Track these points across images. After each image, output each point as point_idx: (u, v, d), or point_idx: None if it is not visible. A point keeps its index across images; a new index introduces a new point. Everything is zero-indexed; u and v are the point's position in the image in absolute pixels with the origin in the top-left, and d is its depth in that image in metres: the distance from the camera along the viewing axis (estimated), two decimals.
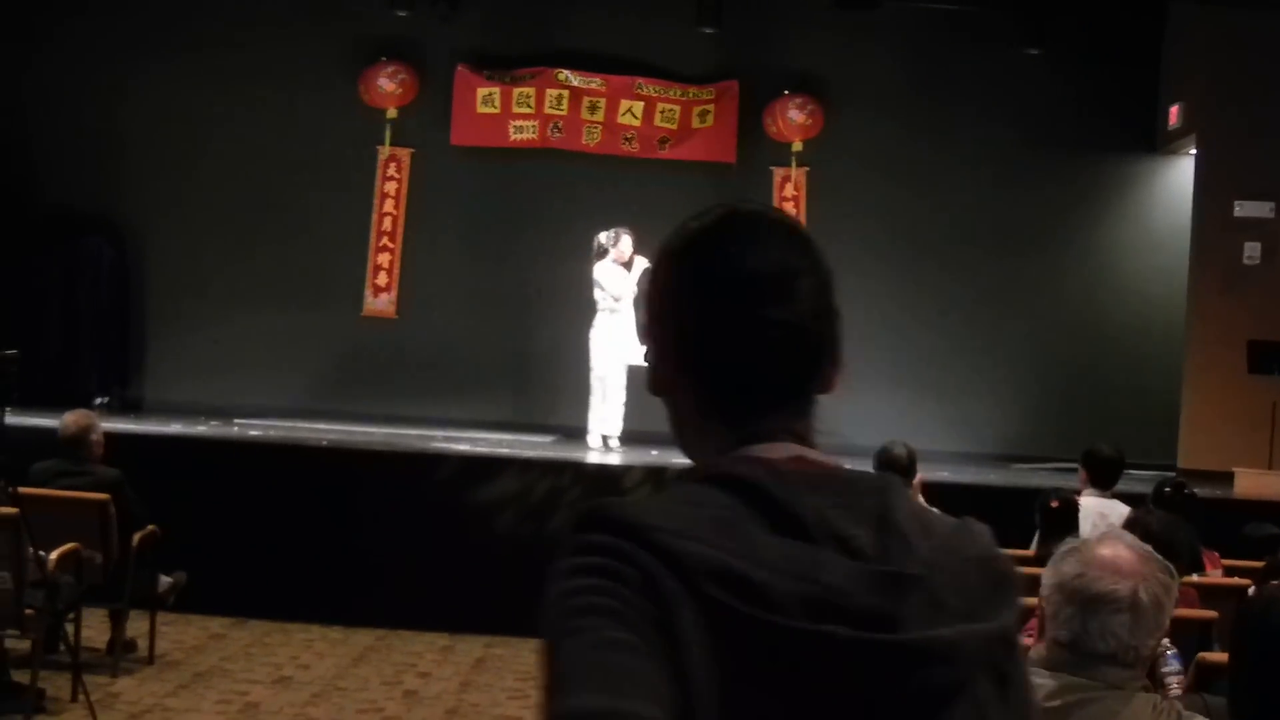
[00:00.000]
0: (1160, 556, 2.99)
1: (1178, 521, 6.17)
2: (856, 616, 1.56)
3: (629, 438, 13.15)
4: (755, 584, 1.54)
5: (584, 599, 1.53)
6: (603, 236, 12.98)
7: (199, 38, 15.44)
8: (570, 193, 15.38)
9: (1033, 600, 3.43)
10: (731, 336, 1.75)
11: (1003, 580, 1.70)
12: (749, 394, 1.76)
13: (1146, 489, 9.02)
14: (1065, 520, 7.51)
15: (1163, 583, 2.94)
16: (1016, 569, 1.73)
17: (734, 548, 1.56)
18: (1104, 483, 8.64)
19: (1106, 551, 2.96)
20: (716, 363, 1.76)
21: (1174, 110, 15.16)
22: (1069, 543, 3.04)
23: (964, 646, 1.60)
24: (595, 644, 1.49)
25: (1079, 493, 8.35)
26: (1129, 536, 3.04)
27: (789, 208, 15.52)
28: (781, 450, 1.72)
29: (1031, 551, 7.76)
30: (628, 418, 13.14)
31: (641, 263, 12.96)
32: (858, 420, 14.30)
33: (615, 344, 12.91)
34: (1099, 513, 7.99)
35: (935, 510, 1.79)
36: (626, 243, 12.93)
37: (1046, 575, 3.01)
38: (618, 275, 12.90)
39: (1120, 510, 7.57)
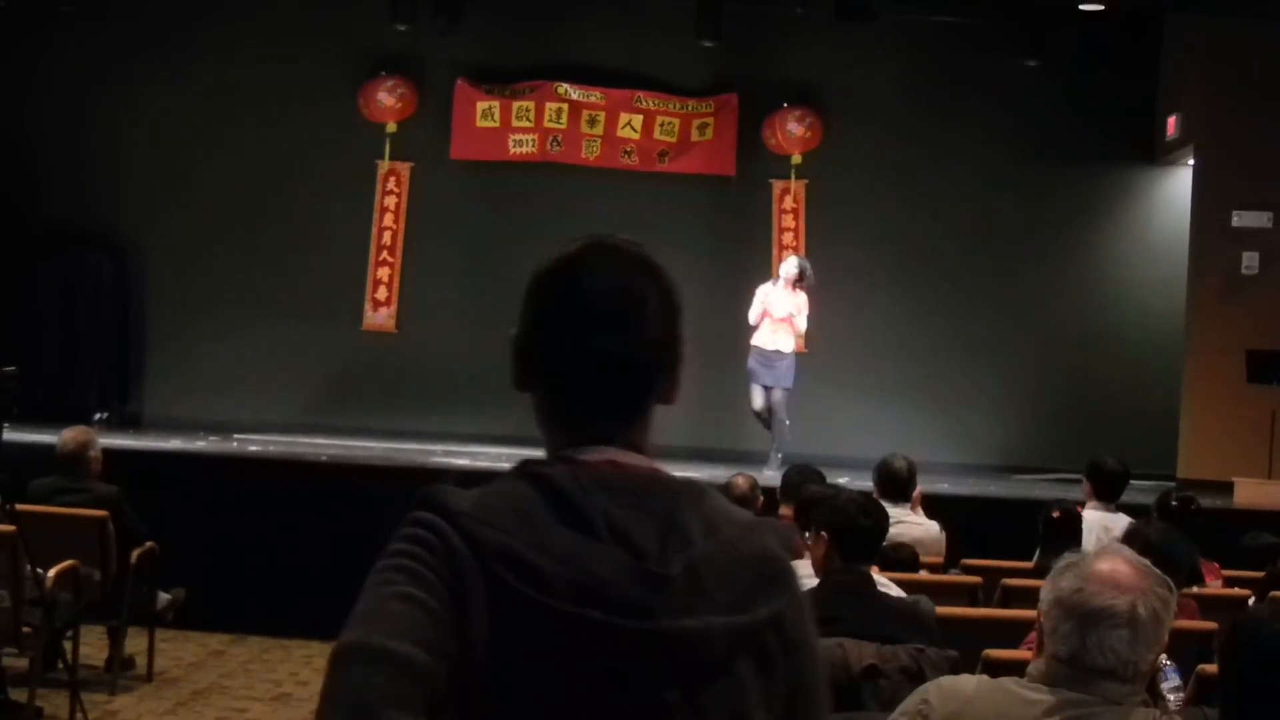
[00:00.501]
0: (1159, 571, 2.96)
1: (1176, 533, 6.14)
2: (616, 605, 1.83)
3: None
4: (535, 568, 1.83)
5: (397, 560, 1.90)
6: None
7: (198, 53, 15.43)
8: (570, 206, 15.33)
9: (1033, 613, 3.41)
10: (564, 358, 2.04)
11: (774, 577, 1.96)
12: (578, 406, 2.04)
13: (1147, 499, 9.01)
14: (1067, 532, 7.46)
15: (1161, 597, 2.91)
16: (790, 566, 2.02)
17: (525, 536, 1.86)
18: (1108, 495, 8.62)
19: (1105, 566, 2.93)
20: (551, 378, 2.06)
21: (1172, 121, 15.15)
22: (1067, 558, 3.01)
23: (712, 636, 1.87)
24: (391, 595, 1.86)
25: (1082, 505, 8.32)
26: (1128, 551, 3.01)
27: (789, 220, 15.54)
28: (598, 455, 1.98)
29: (1032, 564, 7.73)
30: None
31: None
32: (858, 431, 14.36)
33: None
34: (1103, 526, 7.96)
35: (741, 511, 2.03)
36: None
37: (1045, 591, 2.98)
38: None
39: (1124, 523, 7.53)
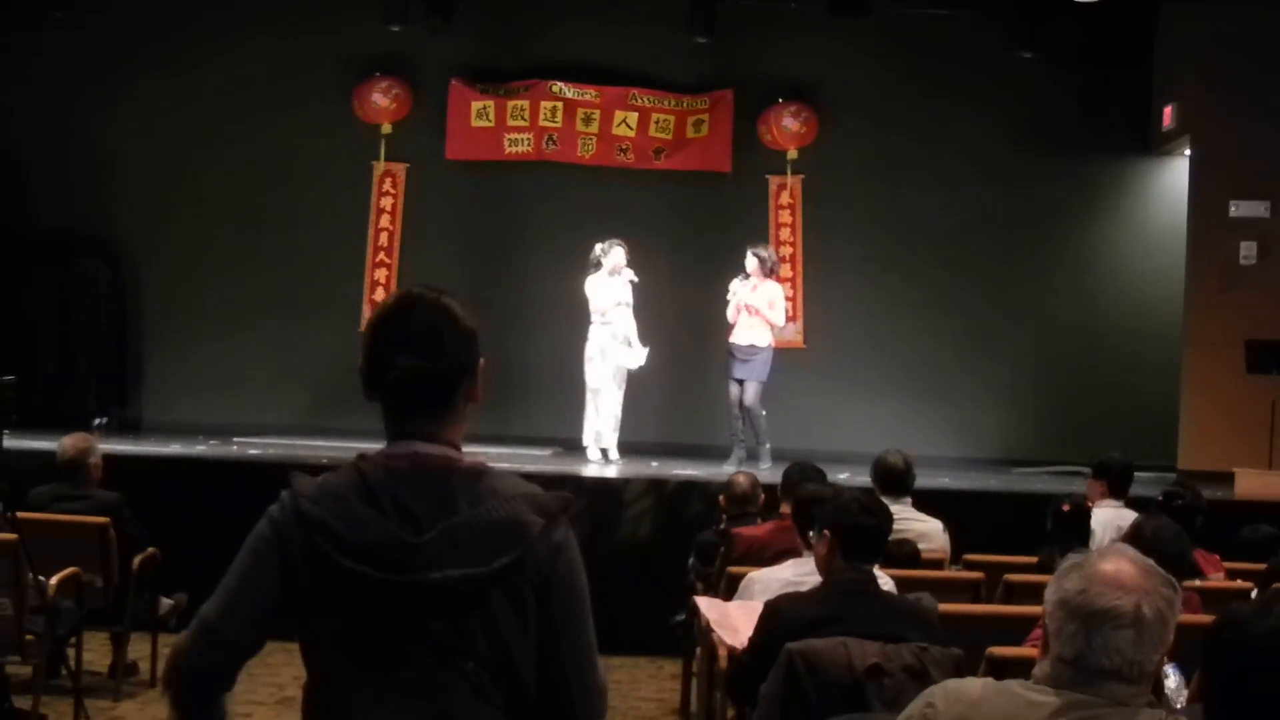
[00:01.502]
0: (1164, 570, 2.96)
1: (1172, 527, 6.13)
2: (383, 563, 2.71)
3: (628, 449, 13.16)
4: (336, 535, 2.73)
5: (252, 539, 2.91)
6: (596, 249, 12.98)
7: (191, 57, 15.43)
8: (566, 205, 15.37)
9: (1036, 609, 3.40)
10: (382, 375, 2.90)
11: (512, 536, 2.74)
12: (393, 409, 2.91)
13: (1148, 491, 9.00)
14: (1077, 525, 7.43)
15: (1166, 597, 2.90)
16: (528, 522, 2.76)
17: (335, 511, 2.76)
18: (1117, 491, 8.60)
19: (1109, 567, 2.93)
20: (376, 389, 2.92)
21: (1167, 111, 15.15)
22: (1071, 558, 3.01)
23: (450, 584, 2.70)
24: (238, 572, 2.89)
25: (1090, 500, 8.27)
26: (1131, 550, 3.01)
27: (785, 215, 15.54)
28: (405, 448, 2.86)
29: (1036, 559, 7.72)
30: (626, 429, 13.14)
31: (629, 274, 12.94)
32: (856, 426, 14.38)
33: (605, 357, 12.90)
34: (1115, 525, 7.91)
35: (515, 487, 2.82)
36: (618, 254, 12.93)
37: (1049, 592, 2.98)
38: (604, 287, 12.88)
39: (1131, 519, 7.48)
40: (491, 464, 2.89)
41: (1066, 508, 7.51)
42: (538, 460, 12.77)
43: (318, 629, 2.83)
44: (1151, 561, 2.98)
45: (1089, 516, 7.61)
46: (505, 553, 2.73)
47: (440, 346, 2.91)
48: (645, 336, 13.27)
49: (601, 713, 2.89)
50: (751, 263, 12.96)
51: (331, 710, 2.83)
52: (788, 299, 14.21)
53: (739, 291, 12.89)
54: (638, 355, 12.94)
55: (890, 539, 5.63)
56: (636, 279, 12.97)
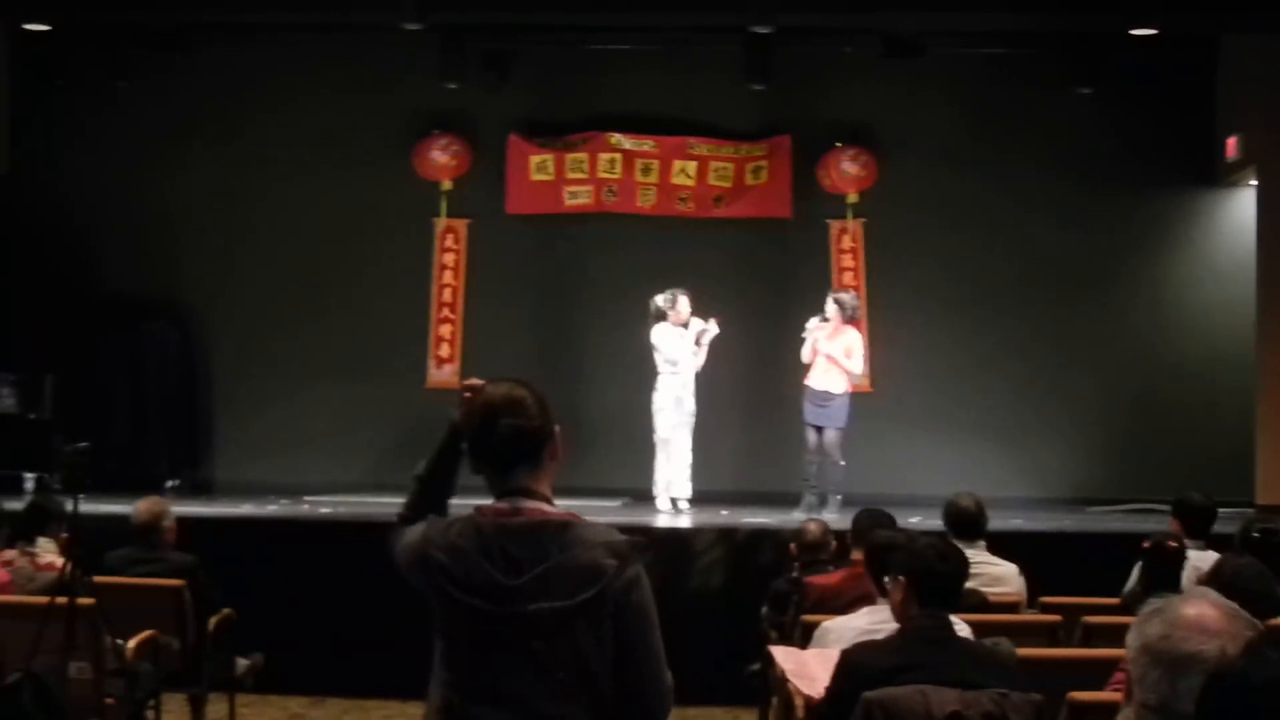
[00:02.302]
0: (1247, 614, 2.94)
1: (1257, 566, 6.04)
2: (491, 598, 3.50)
3: (698, 498, 13.12)
4: (455, 575, 3.55)
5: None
6: (659, 299, 12.97)
7: (250, 118, 15.61)
8: (627, 255, 15.39)
9: (1117, 651, 3.37)
10: (483, 436, 3.67)
11: (591, 577, 3.49)
12: (497, 468, 3.68)
13: (1226, 528, 8.87)
14: (1166, 566, 7.10)
15: (1250, 640, 2.88)
16: (603, 563, 3.52)
17: (455, 559, 3.57)
18: (1198, 532, 8.33)
19: (1191, 611, 2.91)
20: (482, 456, 3.70)
21: (1231, 142, 15.05)
22: (1152, 603, 2.99)
23: (542, 614, 3.47)
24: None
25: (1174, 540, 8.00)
26: (1213, 594, 2.99)
27: (847, 260, 15.52)
28: (510, 504, 3.61)
29: (1119, 599, 7.58)
30: (696, 479, 13.11)
31: (698, 324, 12.96)
32: (925, 470, 14.30)
33: (676, 406, 12.89)
34: (1194, 567, 7.72)
35: (595, 534, 3.57)
36: (684, 304, 12.94)
37: (1131, 638, 2.96)
38: (674, 337, 12.89)
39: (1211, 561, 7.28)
40: (577, 516, 3.63)
41: (1173, 545, 7.16)
42: (608, 511, 12.73)
43: (446, 643, 3.66)
44: (1234, 604, 2.96)
45: (1183, 558, 7.26)
46: (586, 590, 3.48)
47: (526, 411, 3.65)
48: (711, 384, 13.27)
49: (668, 708, 3.65)
50: (831, 308, 12.94)
51: (449, 710, 3.61)
52: None
53: (814, 333, 12.88)
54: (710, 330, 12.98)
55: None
56: (715, 329, 12.98)
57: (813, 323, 12.96)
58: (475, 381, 3.81)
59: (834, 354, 12.83)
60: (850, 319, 12.99)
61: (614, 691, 3.55)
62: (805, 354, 12.95)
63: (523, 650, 3.51)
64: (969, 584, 6.75)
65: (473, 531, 3.61)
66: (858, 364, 13.01)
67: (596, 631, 3.52)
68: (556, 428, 3.70)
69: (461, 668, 3.61)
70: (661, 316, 12.95)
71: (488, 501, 3.67)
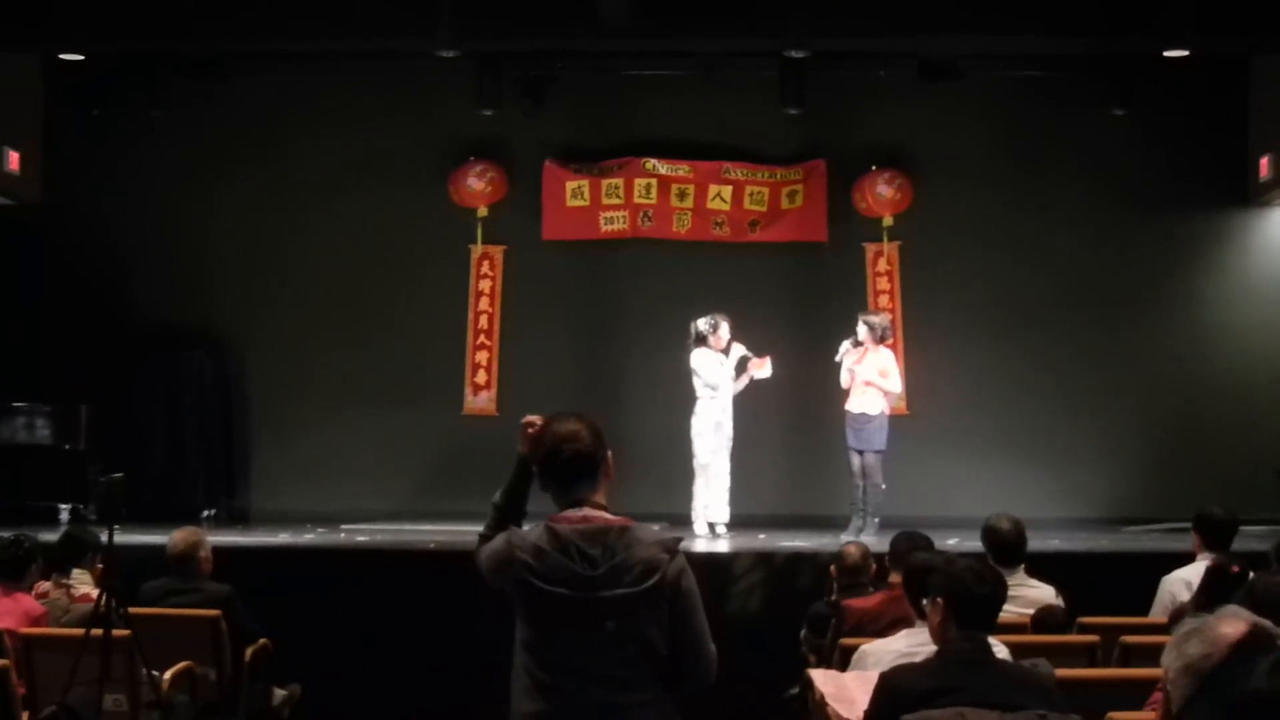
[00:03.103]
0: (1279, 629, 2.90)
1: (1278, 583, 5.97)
2: (573, 585, 4.19)
3: (736, 522, 13.10)
4: (536, 570, 4.21)
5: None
6: (701, 324, 12.98)
7: (285, 146, 15.66)
8: (663, 281, 15.40)
9: (1155, 671, 3.33)
10: (551, 461, 4.42)
11: (650, 568, 4.22)
12: (563, 484, 4.42)
13: (1263, 546, 8.82)
14: (1227, 590, 7.00)
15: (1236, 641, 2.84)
16: (661, 556, 4.28)
17: (536, 556, 4.23)
18: (1218, 546, 8.36)
19: (1229, 630, 2.87)
20: (549, 474, 4.44)
21: (1264, 162, 14.97)
22: (1188, 622, 2.95)
23: (617, 599, 4.18)
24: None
25: (1237, 566, 7.87)
26: (1245, 612, 2.95)
27: (883, 283, 15.49)
28: (576, 512, 4.34)
29: (1151, 619, 7.55)
30: (734, 503, 13.08)
31: (739, 350, 12.96)
32: (963, 491, 14.25)
33: (716, 431, 12.88)
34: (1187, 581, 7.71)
35: (650, 535, 4.34)
36: (725, 330, 12.98)
37: (1169, 658, 2.92)
38: (714, 362, 12.91)
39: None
40: (631, 521, 4.37)
41: (1236, 569, 7.01)
42: None
43: (530, 629, 4.31)
44: (1269, 622, 2.92)
45: (1243, 582, 7.10)
46: (648, 579, 4.24)
47: (584, 440, 4.44)
48: (749, 408, 13.27)
49: (713, 673, 4.40)
50: (862, 330, 12.97)
51: (538, 685, 4.26)
52: None
53: (847, 356, 12.91)
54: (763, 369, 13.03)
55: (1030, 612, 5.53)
56: (768, 371, 13.00)
57: (844, 347, 13.00)
58: (534, 418, 4.57)
59: (869, 376, 12.86)
60: (881, 340, 13.00)
61: (670, 660, 4.31)
62: (843, 379, 12.98)
63: (599, 629, 4.22)
64: (1008, 606, 6.71)
65: (551, 536, 4.31)
66: (894, 383, 13.07)
67: (656, 612, 4.27)
68: (609, 451, 4.50)
69: (546, 648, 4.28)
70: (702, 341, 12.96)
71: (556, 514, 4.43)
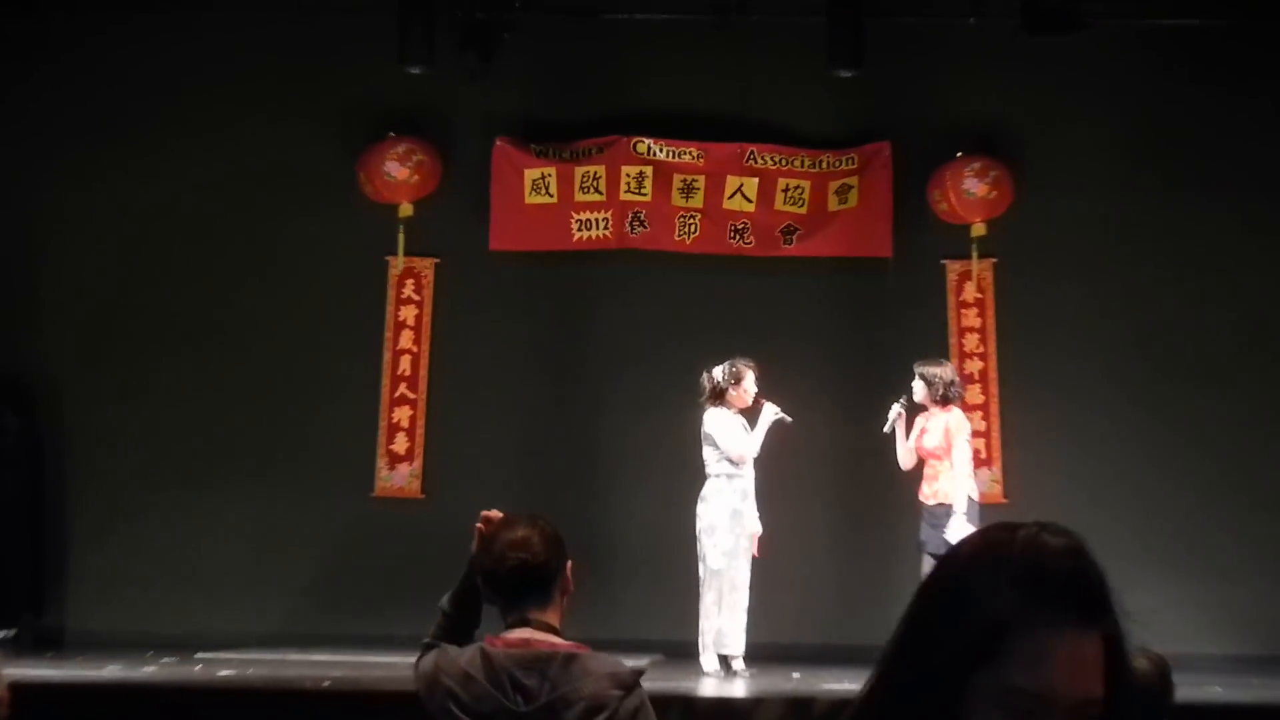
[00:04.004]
0: None
1: None
2: None
3: (759, 654, 12.98)
4: (462, 700, 4.84)
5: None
6: (717, 373, 12.89)
7: (133, 126, 15.64)
8: (661, 311, 15.37)
9: None
10: (494, 571, 5.04)
11: (595, 708, 4.72)
12: (508, 600, 5.04)
13: None
14: None
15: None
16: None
17: (463, 683, 4.86)
18: None
19: None
20: (494, 587, 5.07)
21: None
22: None
23: None
24: None
25: None
26: None
27: (971, 316, 15.46)
28: (517, 633, 4.94)
29: None
30: (757, 627, 12.97)
31: (771, 411, 12.87)
32: None
33: (734, 524, 12.77)
34: None
35: (600, 666, 4.82)
36: (750, 381, 12.87)
37: None
38: (736, 427, 12.81)
39: None
40: (583, 648, 4.90)
41: None
42: None
43: None
44: None
45: None
46: (589, 716, 4.72)
47: (533, 548, 5.00)
48: (780, 492, 13.20)
49: None
50: (918, 389, 12.88)
51: None
52: (980, 435, 14.09)
53: (897, 427, 12.87)
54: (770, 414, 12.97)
55: None
56: (788, 417, 12.93)
57: (894, 412, 12.92)
58: (493, 514, 5.20)
59: (932, 448, 12.80)
60: (944, 400, 12.87)
61: None
62: (901, 458, 12.91)
63: None
64: None
65: (483, 660, 4.86)
66: (962, 460, 12.84)
67: None
68: (569, 562, 5.07)
69: None
70: (719, 397, 12.87)
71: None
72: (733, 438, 12.80)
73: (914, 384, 12.96)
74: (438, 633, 5.25)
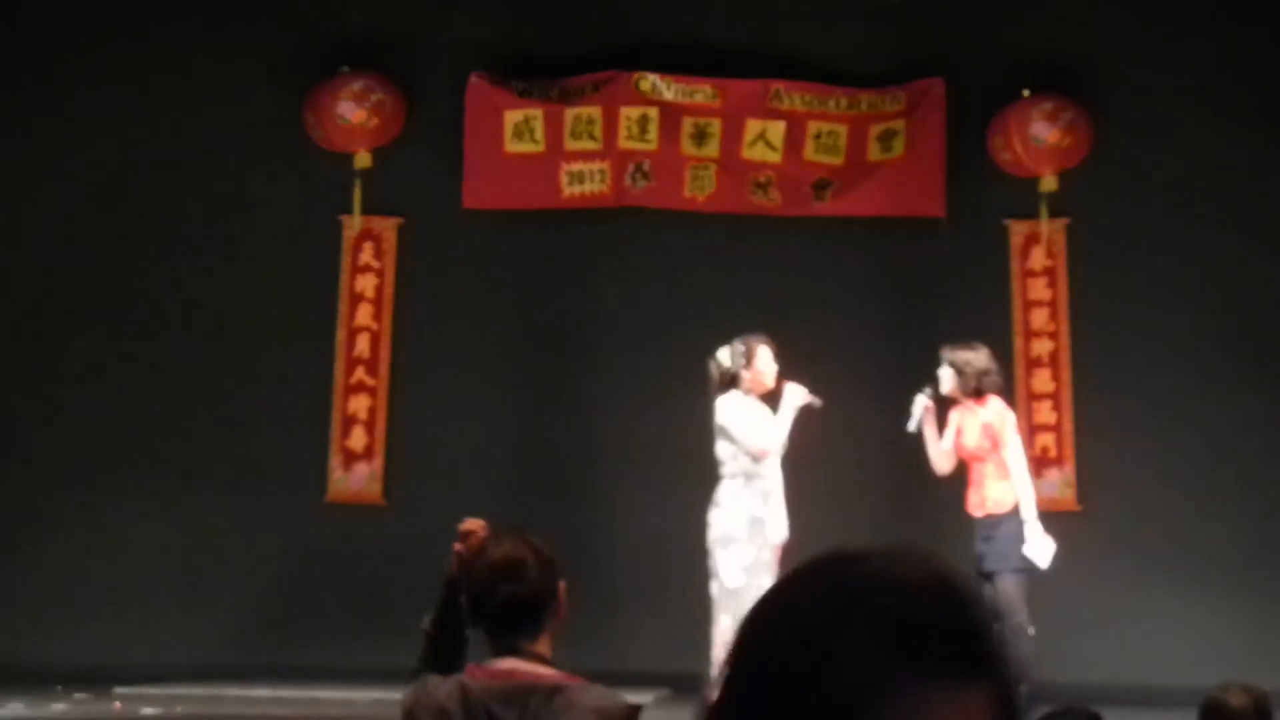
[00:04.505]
0: None
1: None
2: None
3: None
4: None
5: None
6: (724, 356, 12.90)
7: (36, 58, 15.70)
8: (666, 285, 15.43)
9: None
10: (482, 601, 5.35)
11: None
12: (494, 630, 5.35)
13: None
14: None
15: None
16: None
17: (438, 719, 5.34)
18: None
19: None
20: (479, 615, 5.40)
21: None
22: None
23: None
24: None
25: None
26: None
27: (1039, 287, 15.49)
28: (502, 664, 5.28)
29: None
30: None
31: (797, 392, 12.87)
32: (1167, 641, 14.30)
33: (752, 533, 12.81)
34: None
35: (590, 701, 5.13)
36: (765, 360, 12.83)
37: None
38: (755, 415, 12.81)
39: None
40: (573, 679, 5.19)
41: None
42: None
43: None
44: None
45: None
46: None
47: (526, 576, 5.28)
48: (806, 495, 13.27)
49: None
50: (947, 378, 12.81)
51: None
52: (1049, 429, 14.18)
53: (925, 424, 12.83)
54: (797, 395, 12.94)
55: None
56: (817, 401, 12.89)
57: (919, 405, 12.82)
58: (473, 524, 5.64)
59: (978, 452, 12.73)
60: (977, 392, 12.81)
61: None
62: (937, 461, 12.88)
63: None
64: None
65: (460, 694, 5.21)
66: (1016, 458, 12.82)
67: None
68: (561, 583, 5.36)
69: None
70: (730, 383, 12.86)
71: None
72: (751, 428, 12.72)
73: (941, 373, 12.85)
74: (423, 657, 5.59)
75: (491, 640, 5.38)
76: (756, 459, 12.66)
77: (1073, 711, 7.99)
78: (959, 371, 12.76)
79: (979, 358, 12.86)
